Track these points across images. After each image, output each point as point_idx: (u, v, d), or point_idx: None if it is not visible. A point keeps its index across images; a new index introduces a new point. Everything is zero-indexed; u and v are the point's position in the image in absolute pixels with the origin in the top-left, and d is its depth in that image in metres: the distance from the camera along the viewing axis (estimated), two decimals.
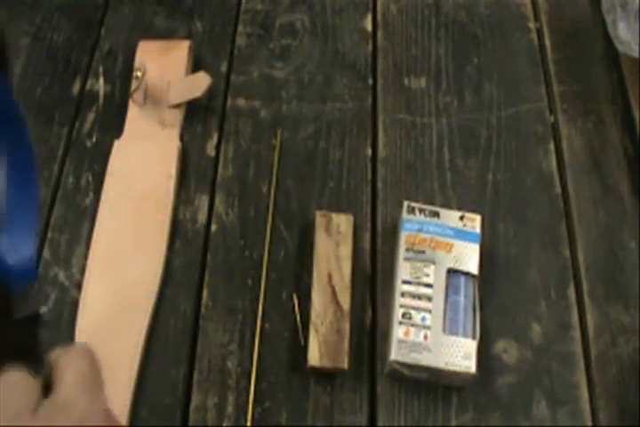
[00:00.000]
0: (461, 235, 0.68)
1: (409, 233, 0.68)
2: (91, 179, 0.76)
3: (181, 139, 0.78)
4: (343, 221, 0.71)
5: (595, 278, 0.71)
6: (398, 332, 0.64)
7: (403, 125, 0.80)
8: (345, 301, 0.67)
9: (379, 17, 0.88)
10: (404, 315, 0.64)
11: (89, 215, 0.73)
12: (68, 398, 0.40)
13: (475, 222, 0.69)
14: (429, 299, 0.65)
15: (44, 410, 0.39)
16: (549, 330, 0.68)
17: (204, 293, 0.70)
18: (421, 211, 0.69)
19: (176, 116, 0.79)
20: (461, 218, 0.69)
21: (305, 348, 0.65)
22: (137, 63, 0.81)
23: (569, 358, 0.67)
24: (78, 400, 0.40)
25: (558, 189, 0.76)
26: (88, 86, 0.82)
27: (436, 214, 0.69)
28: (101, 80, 0.83)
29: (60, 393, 0.40)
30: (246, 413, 0.64)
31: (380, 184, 0.76)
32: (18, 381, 0.40)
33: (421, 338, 0.63)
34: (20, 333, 0.43)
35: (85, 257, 0.71)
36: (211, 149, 0.78)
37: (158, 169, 0.76)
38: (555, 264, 0.72)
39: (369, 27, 0.87)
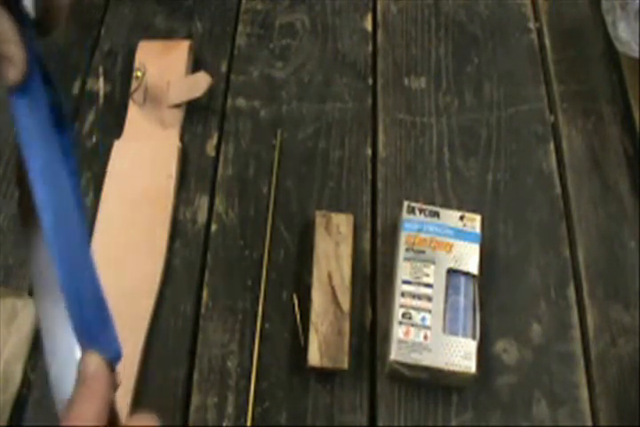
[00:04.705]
0: (461, 235, 0.68)
1: (409, 233, 0.68)
2: (91, 179, 0.76)
3: (181, 139, 0.78)
4: (343, 221, 0.71)
5: (595, 278, 0.71)
6: (398, 332, 0.64)
7: (403, 125, 0.80)
8: (345, 301, 0.67)
9: (379, 17, 0.88)
10: (404, 315, 0.64)
11: (89, 215, 0.73)
12: None
13: (475, 222, 0.69)
14: (429, 299, 0.65)
15: None
16: (549, 330, 0.68)
17: (204, 293, 0.70)
18: (421, 211, 0.69)
19: (176, 116, 0.79)
20: (461, 218, 0.69)
21: (305, 348, 0.65)
22: (137, 63, 0.81)
23: (569, 358, 0.67)
24: None
25: (558, 189, 0.76)
26: (88, 86, 0.82)
27: (436, 214, 0.69)
28: (101, 80, 0.83)
29: None
30: (246, 413, 0.64)
31: (380, 184, 0.76)
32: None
33: (421, 338, 0.63)
34: None
35: None
36: (211, 149, 0.78)
37: (158, 169, 0.76)
38: (555, 264, 0.72)
39: (369, 27, 0.87)
